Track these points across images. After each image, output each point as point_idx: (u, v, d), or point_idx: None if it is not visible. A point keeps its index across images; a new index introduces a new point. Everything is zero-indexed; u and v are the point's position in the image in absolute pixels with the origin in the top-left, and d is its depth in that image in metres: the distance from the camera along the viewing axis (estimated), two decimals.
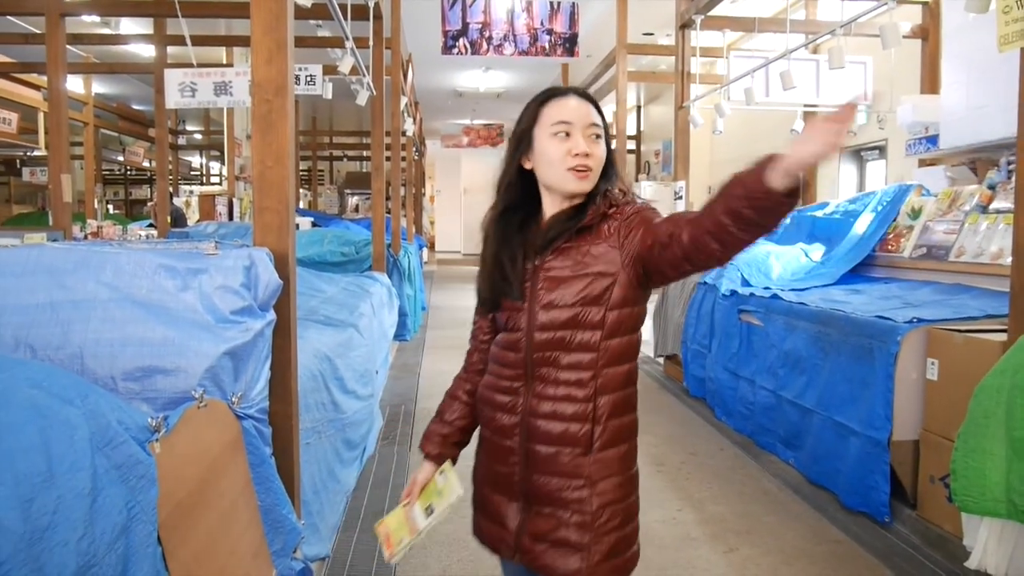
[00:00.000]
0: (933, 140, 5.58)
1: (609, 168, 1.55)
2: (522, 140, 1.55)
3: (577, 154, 1.47)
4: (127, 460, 1.32)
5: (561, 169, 1.48)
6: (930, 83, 6.40)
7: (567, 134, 1.49)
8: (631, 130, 15.28)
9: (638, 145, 15.79)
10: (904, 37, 5.33)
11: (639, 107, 15.72)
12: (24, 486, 1.06)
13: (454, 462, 1.68)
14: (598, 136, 1.52)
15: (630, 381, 1.53)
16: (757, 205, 1.26)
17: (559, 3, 9.51)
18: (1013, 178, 3.77)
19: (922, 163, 5.97)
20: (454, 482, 1.60)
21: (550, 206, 1.56)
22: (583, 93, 1.57)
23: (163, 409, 1.66)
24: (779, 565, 2.99)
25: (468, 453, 1.74)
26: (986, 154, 5.14)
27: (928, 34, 6.47)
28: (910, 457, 3.33)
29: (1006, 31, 2.61)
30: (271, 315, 2.16)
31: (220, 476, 1.76)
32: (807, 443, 3.96)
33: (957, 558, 2.82)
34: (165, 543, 1.36)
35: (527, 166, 1.56)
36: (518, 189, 1.58)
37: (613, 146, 1.63)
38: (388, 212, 8.14)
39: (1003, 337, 2.83)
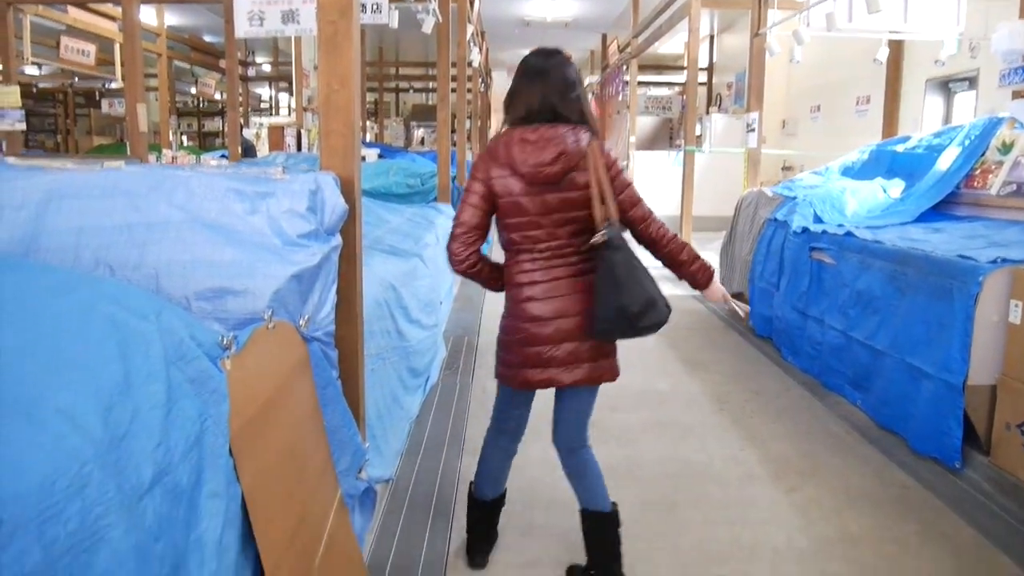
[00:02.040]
0: None
1: None
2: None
3: None
4: (199, 375, 1.36)
5: None
6: None
7: None
8: (703, 61, 14.76)
9: (710, 77, 15.26)
10: None
11: (712, 36, 15.13)
12: (104, 394, 1.10)
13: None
14: None
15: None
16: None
17: None
18: None
19: (1016, 95, 5.59)
20: None
21: None
22: None
23: (234, 329, 1.70)
24: (843, 507, 2.95)
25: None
26: None
27: None
28: (986, 402, 3.21)
29: None
30: (337, 239, 2.18)
31: (288, 395, 1.80)
32: (876, 385, 3.86)
33: None
34: (236, 455, 1.41)
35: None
36: None
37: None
38: (453, 144, 8.10)
39: None
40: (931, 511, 2.93)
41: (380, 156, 9.61)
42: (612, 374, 2.29)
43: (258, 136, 11.66)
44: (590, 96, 17.88)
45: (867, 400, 3.95)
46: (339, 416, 2.14)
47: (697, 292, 2.35)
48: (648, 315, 2.11)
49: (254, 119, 14.20)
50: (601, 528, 2.35)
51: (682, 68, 15.15)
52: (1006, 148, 4.56)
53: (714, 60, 15.25)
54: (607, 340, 2.23)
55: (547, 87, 2.15)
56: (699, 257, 2.29)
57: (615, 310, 2.09)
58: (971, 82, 7.36)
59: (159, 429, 1.18)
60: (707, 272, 2.30)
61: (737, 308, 2.43)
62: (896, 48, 7.81)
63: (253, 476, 1.48)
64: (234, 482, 1.40)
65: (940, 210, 4.80)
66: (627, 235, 2.20)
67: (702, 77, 14.68)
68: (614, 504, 2.38)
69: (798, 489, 3.10)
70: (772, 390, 4.37)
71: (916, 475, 3.24)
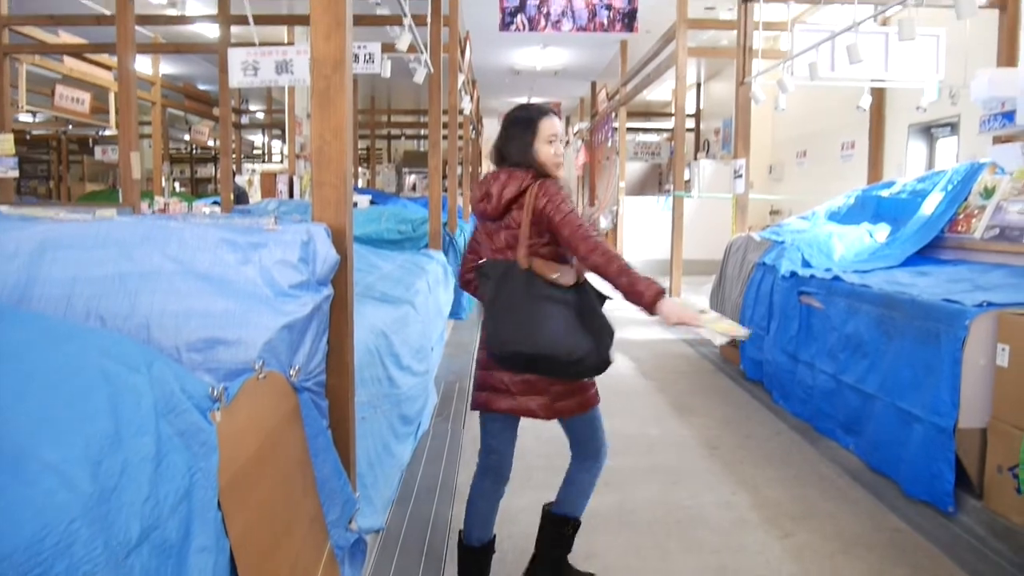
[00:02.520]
0: (1010, 116, 5.33)
1: None
2: (526, 128, 2.37)
3: (558, 154, 2.38)
4: (189, 427, 1.36)
5: (551, 163, 2.37)
6: (1007, 56, 6.11)
7: (552, 142, 2.36)
8: (691, 108, 15.02)
9: (697, 123, 15.51)
10: (980, 7, 5.08)
11: (699, 84, 15.43)
12: (93, 448, 1.10)
13: None
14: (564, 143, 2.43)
15: None
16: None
17: None
18: None
19: (997, 140, 5.72)
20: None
21: None
22: (557, 113, 2.42)
23: (224, 380, 1.70)
24: (836, 552, 2.94)
25: None
26: None
27: (1006, 4, 6.17)
28: (977, 446, 3.22)
29: None
30: (329, 289, 2.19)
31: (278, 446, 1.80)
32: (868, 429, 3.87)
33: None
34: (225, 508, 1.41)
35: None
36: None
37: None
38: (445, 191, 8.18)
39: None
40: (925, 556, 2.92)
41: (372, 202, 9.70)
42: (576, 408, 2.39)
43: (250, 182, 11.74)
44: (579, 143, 18.19)
45: (859, 444, 3.95)
46: (329, 466, 2.13)
47: (687, 333, 2.40)
48: (506, 354, 2.27)
49: (247, 165, 14.30)
50: (560, 529, 2.55)
51: (670, 115, 15.44)
52: (988, 193, 4.64)
53: (701, 106, 15.53)
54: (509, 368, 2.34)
55: (500, 136, 2.45)
56: (629, 271, 2.22)
57: (488, 338, 2.33)
58: (952, 127, 7.51)
59: (148, 483, 1.18)
60: (651, 288, 2.19)
61: (711, 333, 2.31)
62: (878, 95, 7.99)
63: (242, 529, 1.47)
64: (223, 536, 1.39)
65: (925, 254, 4.86)
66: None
67: (690, 123, 14.93)
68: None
69: (791, 534, 3.08)
70: (763, 434, 4.37)
71: (909, 519, 3.23)
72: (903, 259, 4.80)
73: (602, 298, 2.40)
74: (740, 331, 2.33)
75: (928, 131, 8.00)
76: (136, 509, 1.13)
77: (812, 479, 3.69)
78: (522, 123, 2.37)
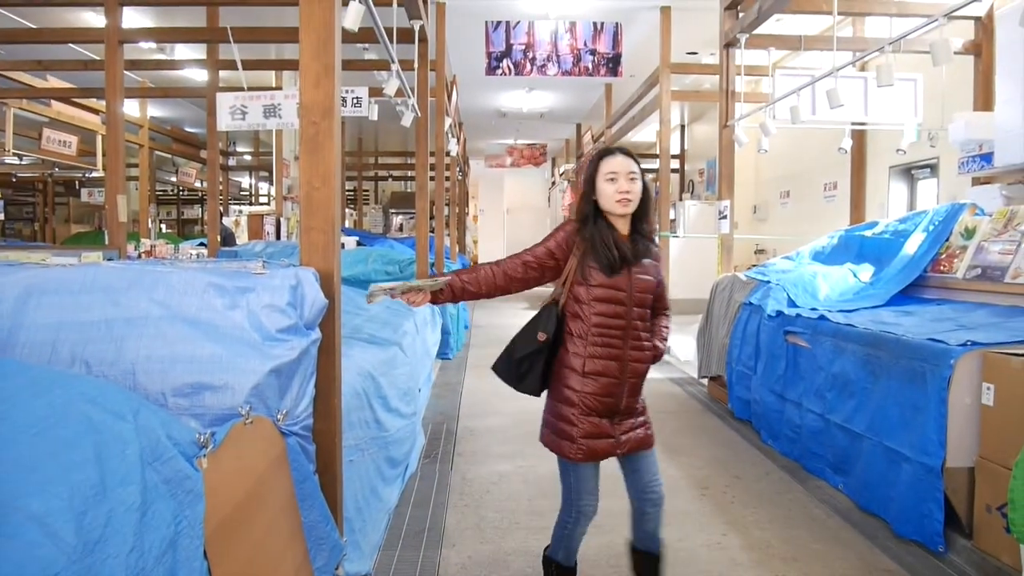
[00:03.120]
0: (987, 158, 5.44)
1: (646, 199, 2.50)
2: (587, 184, 2.50)
3: (621, 191, 2.43)
4: (176, 475, 1.35)
5: (612, 201, 2.44)
6: (984, 99, 6.26)
7: (613, 179, 2.44)
8: (675, 149, 15.22)
9: (682, 164, 15.70)
10: (956, 53, 5.22)
11: (683, 126, 15.66)
12: (78, 499, 1.09)
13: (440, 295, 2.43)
14: (633, 179, 2.45)
15: None
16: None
17: (602, 23, 9.53)
18: None
19: (976, 181, 5.83)
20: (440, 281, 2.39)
21: (612, 223, 2.49)
22: (624, 151, 2.50)
23: (211, 425, 1.69)
24: None
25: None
26: None
27: (981, 49, 6.34)
28: (965, 485, 3.22)
29: None
30: (316, 333, 2.19)
31: (265, 492, 1.78)
32: (856, 468, 3.86)
33: None
34: (211, 557, 1.39)
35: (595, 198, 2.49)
36: (592, 212, 2.49)
37: (654, 190, 2.59)
38: (432, 231, 8.21)
39: None
40: None
41: (359, 243, 9.71)
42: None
43: (237, 223, 11.75)
44: (565, 183, 18.36)
45: (848, 484, 3.94)
46: (317, 512, 2.11)
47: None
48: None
49: (234, 207, 14.33)
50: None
51: (655, 156, 15.65)
52: (969, 233, 4.71)
53: (686, 147, 15.74)
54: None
55: None
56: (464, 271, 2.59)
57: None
58: (932, 169, 7.64)
59: (133, 533, 1.16)
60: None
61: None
62: (859, 137, 8.14)
63: None
64: None
65: (909, 293, 4.91)
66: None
67: (674, 164, 15.13)
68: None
69: None
70: (752, 474, 4.35)
71: (900, 560, 3.21)
72: (887, 298, 4.85)
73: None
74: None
75: (908, 172, 8.14)
76: (121, 561, 1.11)
77: (802, 519, 3.67)
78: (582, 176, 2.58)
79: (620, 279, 2.42)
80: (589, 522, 2.56)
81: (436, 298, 2.43)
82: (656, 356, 2.57)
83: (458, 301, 2.50)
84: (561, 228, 2.51)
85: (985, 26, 6.32)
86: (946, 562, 3.17)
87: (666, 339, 2.62)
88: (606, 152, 2.49)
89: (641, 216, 2.49)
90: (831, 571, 3.10)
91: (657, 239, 2.56)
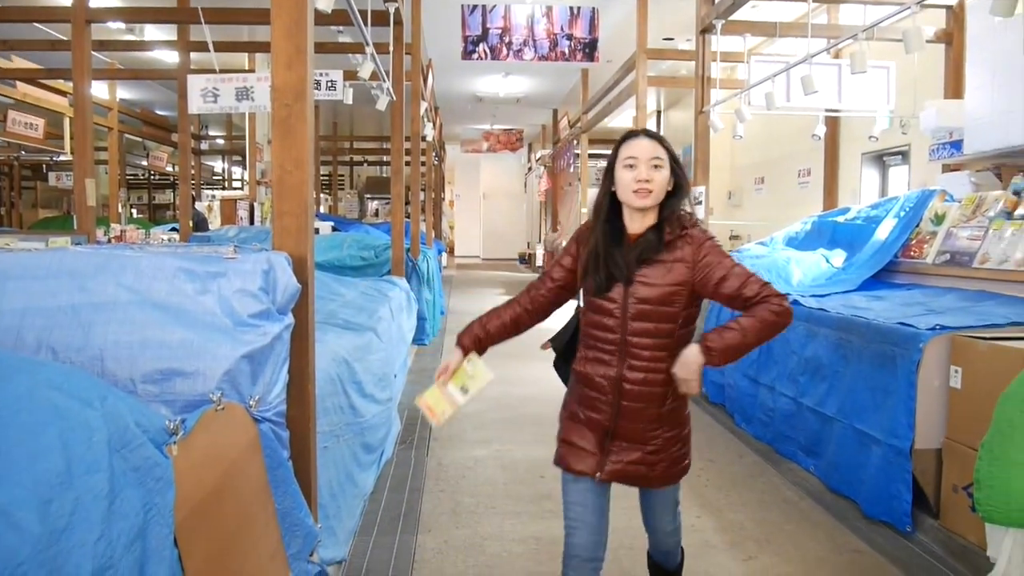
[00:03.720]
0: (957, 145, 5.51)
1: (678, 190, 2.06)
2: (607, 172, 2.09)
3: (639, 179, 1.99)
4: (144, 462, 1.33)
5: (628, 191, 2.02)
6: (954, 88, 6.32)
7: (632, 166, 2.01)
8: None
9: None
10: (928, 41, 5.26)
11: (659, 112, 15.67)
12: (43, 487, 1.07)
13: (480, 355, 2.20)
14: (658, 166, 2.02)
15: None
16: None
17: (579, 8, 9.50)
18: None
19: (946, 168, 5.90)
20: (483, 369, 2.15)
21: (629, 219, 2.08)
22: (650, 133, 2.09)
23: (181, 412, 1.67)
24: (798, 574, 2.96)
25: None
26: (1011, 159, 5.06)
27: (952, 38, 6.40)
28: (933, 466, 3.28)
29: None
30: (289, 319, 2.17)
31: (237, 479, 1.76)
32: (828, 451, 3.92)
33: (980, 570, 2.78)
34: (182, 545, 1.37)
35: (614, 189, 2.08)
36: (607, 206, 2.11)
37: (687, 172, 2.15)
38: (407, 217, 8.16)
39: None
40: None
41: (334, 228, 9.63)
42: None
43: (210, 208, 11.60)
44: (542, 169, 18.32)
45: (819, 466, 4.00)
46: (290, 498, 2.10)
47: None
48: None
49: (206, 191, 14.12)
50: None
51: None
52: (939, 219, 4.77)
53: (662, 133, 15.74)
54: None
55: None
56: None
57: None
58: (903, 156, 7.72)
59: (100, 522, 1.14)
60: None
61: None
62: (832, 124, 8.19)
63: (199, 566, 1.43)
64: (179, 573, 1.35)
65: (880, 278, 4.97)
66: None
67: None
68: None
69: (755, 557, 3.10)
70: (726, 458, 4.40)
71: (869, 540, 3.26)
72: (859, 283, 4.91)
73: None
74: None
75: (881, 159, 8.22)
76: (88, 549, 1.10)
77: (775, 501, 3.72)
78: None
79: (612, 292, 2.04)
80: (586, 569, 2.06)
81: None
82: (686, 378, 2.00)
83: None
84: (573, 237, 2.20)
85: (956, 15, 6.37)
86: (914, 541, 3.23)
87: (761, 329, 2.02)
88: (629, 135, 2.07)
89: (671, 207, 2.05)
90: (802, 552, 3.15)
91: (700, 227, 2.08)
